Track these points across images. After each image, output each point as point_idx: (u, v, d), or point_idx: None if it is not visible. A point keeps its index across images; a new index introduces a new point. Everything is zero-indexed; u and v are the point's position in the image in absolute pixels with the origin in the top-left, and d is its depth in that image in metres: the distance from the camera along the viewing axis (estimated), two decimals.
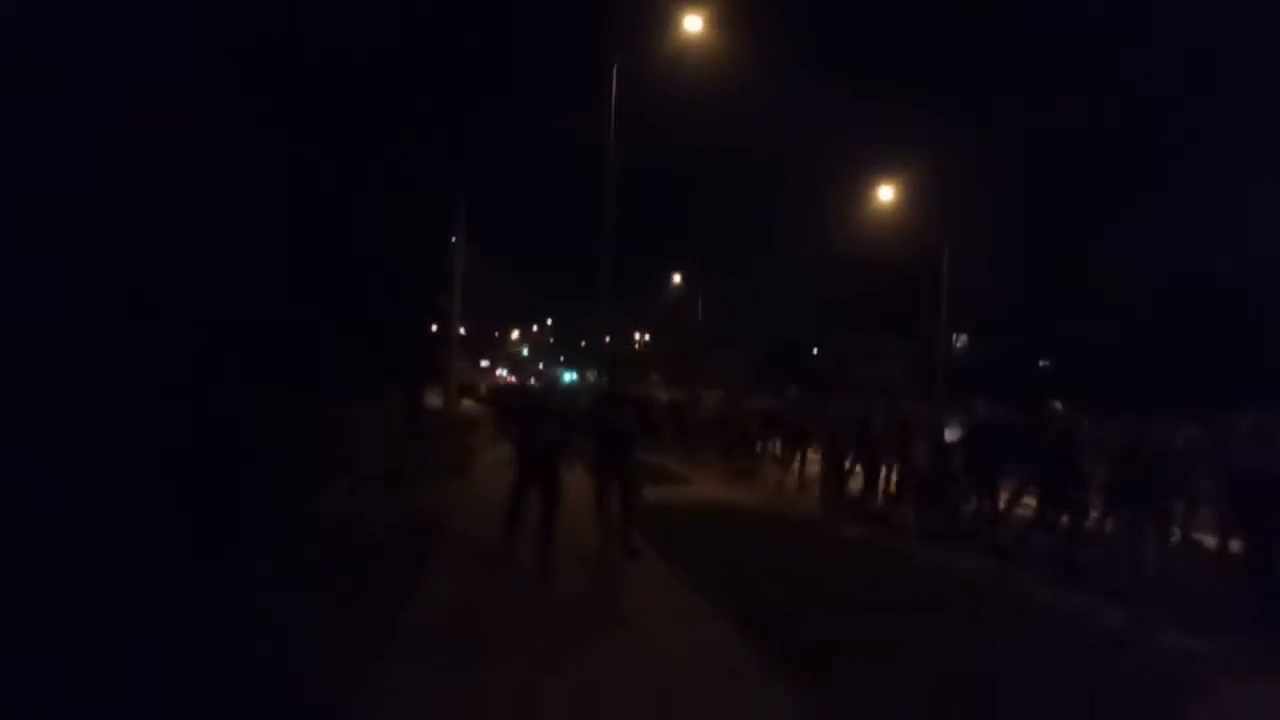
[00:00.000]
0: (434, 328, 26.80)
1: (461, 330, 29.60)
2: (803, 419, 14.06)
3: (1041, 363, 43.63)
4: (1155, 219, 32.25)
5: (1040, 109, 41.14)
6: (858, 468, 12.05)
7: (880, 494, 11.50)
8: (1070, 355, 39.44)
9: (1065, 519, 8.57)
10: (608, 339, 29.38)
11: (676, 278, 50.94)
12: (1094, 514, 8.69)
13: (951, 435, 10.22)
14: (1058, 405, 9.56)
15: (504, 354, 74.30)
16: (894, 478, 11.33)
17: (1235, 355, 27.53)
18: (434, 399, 27.47)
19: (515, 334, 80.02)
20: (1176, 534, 9.15)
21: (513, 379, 55.86)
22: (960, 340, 45.34)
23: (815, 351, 51.25)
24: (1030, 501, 9.34)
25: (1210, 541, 9.14)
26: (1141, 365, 30.24)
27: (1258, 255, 28.98)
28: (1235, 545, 8.22)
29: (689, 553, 8.27)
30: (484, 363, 63.46)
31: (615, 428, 7.65)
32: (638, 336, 64.70)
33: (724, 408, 18.96)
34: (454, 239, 25.18)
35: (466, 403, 32.98)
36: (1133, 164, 36.32)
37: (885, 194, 28.65)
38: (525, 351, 78.89)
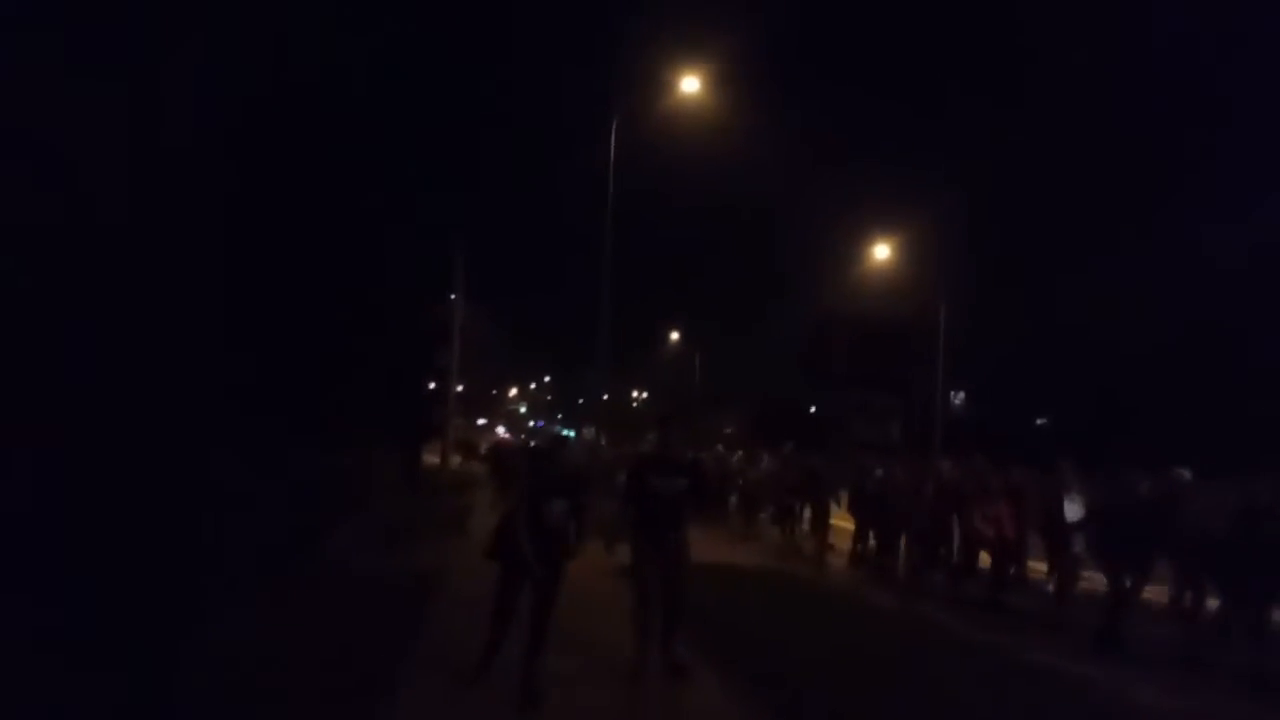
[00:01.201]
0: (432, 385, 26.76)
1: (459, 388, 29.53)
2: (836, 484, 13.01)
3: (1039, 420, 43.70)
4: (1148, 270, 32.55)
5: (1035, 164, 41.84)
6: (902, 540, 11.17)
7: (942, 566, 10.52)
8: (1068, 411, 39.46)
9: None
10: (606, 396, 29.34)
11: (674, 335, 50.99)
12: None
13: (1071, 513, 8.65)
14: (1186, 474, 8.09)
15: (502, 412, 74.07)
16: (955, 549, 10.28)
17: (1233, 404, 27.49)
18: (431, 456, 27.33)
19: (513, 391, 79.89)
20: None
21: (508, 436, 55.62)
22: (958, 398, 45.41)
23: (813, 410, 51.25)
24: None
25: None
26: (1139, 419, 30.21)
27: (1253, 298, 29.09)
28: None
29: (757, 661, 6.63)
30: (481, 420, 63.22)
31: (667, 501, 6.20)
32: (635, 394, 64.63)
33: (786, 469, 15.68)
34: (453, 296, 25.33)
35: (473, 463, 32.63)
36: (1124, 213, 36.68)
37: (881, 252, 28.91)
38: (523, 409, 78.69)
